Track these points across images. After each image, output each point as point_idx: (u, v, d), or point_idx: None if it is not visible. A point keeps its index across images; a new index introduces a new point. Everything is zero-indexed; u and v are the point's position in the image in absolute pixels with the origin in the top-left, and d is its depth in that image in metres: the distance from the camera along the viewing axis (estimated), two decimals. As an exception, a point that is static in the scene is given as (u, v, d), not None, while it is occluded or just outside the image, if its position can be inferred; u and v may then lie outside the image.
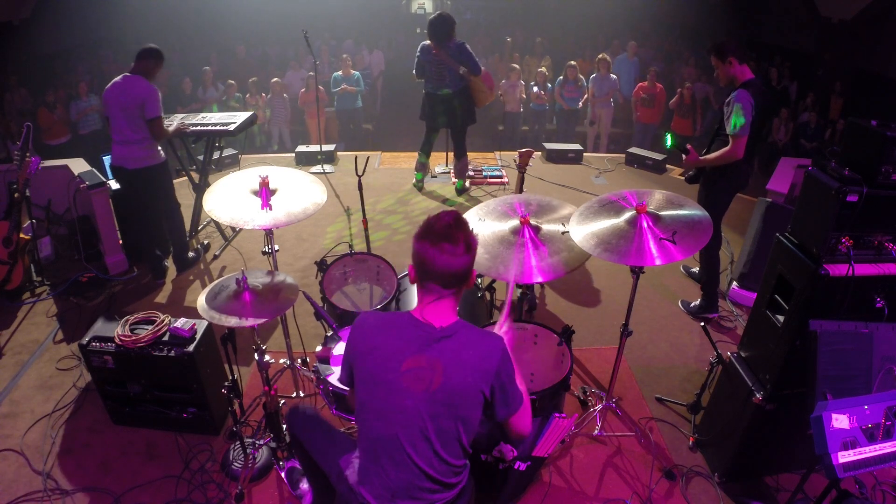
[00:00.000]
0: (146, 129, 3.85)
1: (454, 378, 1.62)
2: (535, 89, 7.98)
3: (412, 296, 3.19)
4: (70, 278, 4.23)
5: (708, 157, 3.55)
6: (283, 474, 2.67)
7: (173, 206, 4.30)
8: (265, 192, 2.68)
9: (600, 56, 7.92)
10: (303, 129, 8.48)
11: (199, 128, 4.45)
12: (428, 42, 5.20)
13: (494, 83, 5.87)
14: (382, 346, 1.67)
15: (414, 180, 6.03)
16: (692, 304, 4.02)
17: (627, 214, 2.57)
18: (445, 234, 1.65)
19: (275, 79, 8.28)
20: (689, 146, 3.57)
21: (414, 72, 5.46)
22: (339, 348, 2.72)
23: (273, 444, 2.76)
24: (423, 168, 5.94)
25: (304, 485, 2.55)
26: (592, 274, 4.50)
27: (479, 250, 2.62)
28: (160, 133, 3.92)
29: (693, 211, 2.57)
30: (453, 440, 1.67)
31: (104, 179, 4.39)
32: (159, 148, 4.06)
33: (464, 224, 1.70)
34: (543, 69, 8.37)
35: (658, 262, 2.39)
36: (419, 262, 1.68)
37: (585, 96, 7.96)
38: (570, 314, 3.99)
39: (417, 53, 5.31)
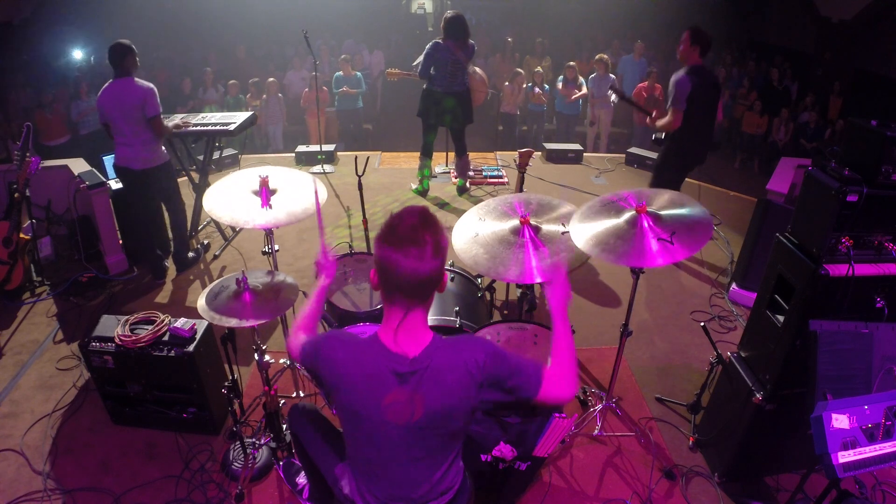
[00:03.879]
0: (148, 129, 3.85)
1: (436, 404, 1.55)
2: (536, 90, 7.99)
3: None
4: (70, 278, 4.24)
5: (657, 122, 4.32)
6: (279, 470, 2.67)
7: (178, 204, 4.30)
8: (265, 192, 2.68)
9: (598, 56, 7.91)
10: (303, 128, 8.48)
11: (199, 128, 4.45)
12: (442, 41, 5.11)
13: (492, 83, 5.87)
14: (359, 386, 1.56)
15: (416, 187, 5.87)
16: None
17: (627, 215, 2.57)
18: (410, 237, 1.47)
19: (271, 78, 8.28)
20: (654, 112, 4.42)
21: (418, 72, 5.31)
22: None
23: (273, 444, 2.76)
24: (426, 175, 5.81)
25: (302, 478, 2.55)
26: (592, 274, 4.50)
27: (479, 250, 2.63)
28: (161, 130, 3.93)
29: (693, 210, 2.56)
30: (446, 453, 1.67)
31: (104, 179, 4.39)
32: (162, 147, 4.07)
33: (431, 222, 1.52)
34: (539, 69, 8.38)
35: (659, 261, 2.38)
36: (382, 270, 1.51)
37: (581, 92, 7.93)
38: (570, 314, 3.95)
39: (429, 52, 5.13)
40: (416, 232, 1.48)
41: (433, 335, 1.60)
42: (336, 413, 1.66)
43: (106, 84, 3.84)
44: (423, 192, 5.83)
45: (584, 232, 2.56)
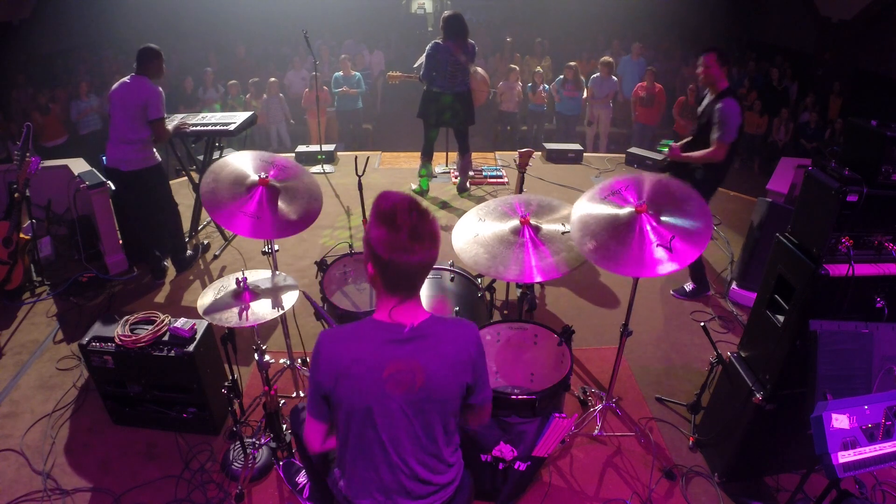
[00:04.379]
0: (144, 130, 3.86)
1: (435, 375, 1.60)
2: (541, 88, 8.00)
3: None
4: (70, 278, 4.23)
5: (692, 154, 3.77)
6: (279, 470, 2.67)
7: (171, 207, 4.29)
8: (263, 194, 2.67)
9: (603, 59, 7.90)
10: (303, 128, 8.49)
11: (199, 128, 4.45)
12: (442, 42, 5.11)
13: (492, 83, 5.87)
14: (360, 360, 1.59)
15: (416, 187, 5.85)
16: (687, 289, 4.17)
17: (627, 215, 2.54)
18: (416, 235, 1.53)
19: (272, 78, 8.28)
20: (672, 143, 3.92)
21: (420, 75, 5.30)
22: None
23: (273, 444, 2.76)
24: (427, 175, 5.82)
25: (302, 478, 2.55)
26: (593, 274, 4.50)
27: (479, 250, 2.63)
28: (162, 134, 3.93)
29: (691, 221, 2.49)
30: (441, 434, 1.68)
31: (104, 179, 4.38)
32: (154, 150, 4.06)
33: (424, 212, 1.59)
34: (539, 69, 8.38)
35: (674, 266, 2.34)
36: (391, 271, 1.55)
37: (584, 96, 7.95)
38: (570, 314, 3.99)
39: (429, 54, 5.12)
40: (417, 229, 1.54)
41: (431, 314, 1.68)
42: (340, 401, 1.64)
43: (124, 78, 3.88)
44: (422, 193, 5.82)
45: (583, 231, 2.53)
